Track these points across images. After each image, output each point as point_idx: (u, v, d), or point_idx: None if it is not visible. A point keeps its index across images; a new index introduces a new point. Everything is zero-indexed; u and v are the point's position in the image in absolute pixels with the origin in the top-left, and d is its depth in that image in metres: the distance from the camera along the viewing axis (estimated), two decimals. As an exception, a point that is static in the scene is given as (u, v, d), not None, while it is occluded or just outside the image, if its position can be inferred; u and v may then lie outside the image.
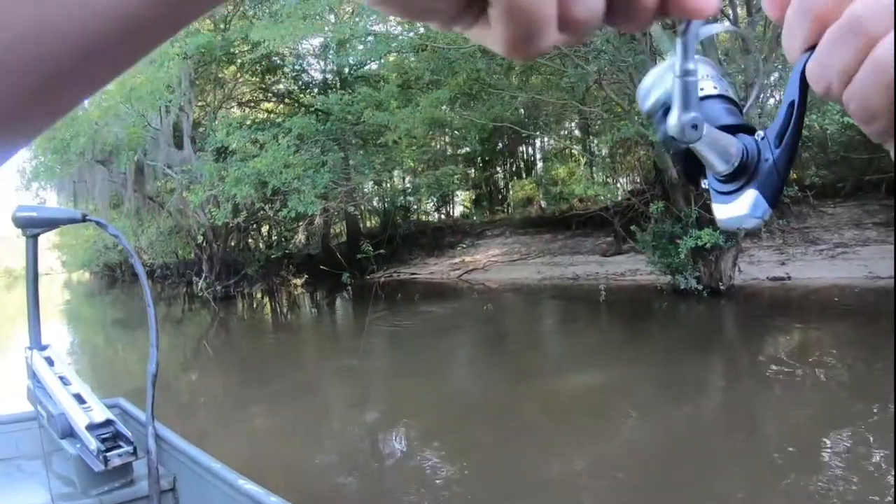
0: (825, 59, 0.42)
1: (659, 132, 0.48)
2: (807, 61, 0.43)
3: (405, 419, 8.13)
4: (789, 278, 13.58)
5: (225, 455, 2.81)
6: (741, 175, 0.48)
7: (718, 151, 0.47)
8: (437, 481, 6.26)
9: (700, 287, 12.53)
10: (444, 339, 13.74)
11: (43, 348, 3.17)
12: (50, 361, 3.10)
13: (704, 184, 0.51)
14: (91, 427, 2.68)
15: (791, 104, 0.47)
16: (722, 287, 12.73)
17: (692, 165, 0.50)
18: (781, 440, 5.96)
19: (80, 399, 2.87)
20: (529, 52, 0.37)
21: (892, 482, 4.48)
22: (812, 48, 0.43)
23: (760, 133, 0.48)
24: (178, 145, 21.98)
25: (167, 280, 32.44)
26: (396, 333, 15.02)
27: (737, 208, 0.48)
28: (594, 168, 22.63)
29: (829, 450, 5.58)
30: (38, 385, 3.05)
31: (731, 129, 0.49)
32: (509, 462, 6.08)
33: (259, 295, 26.18)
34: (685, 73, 0.45)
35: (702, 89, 0.50)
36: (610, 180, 21.53)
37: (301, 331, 18.06)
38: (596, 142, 22.53)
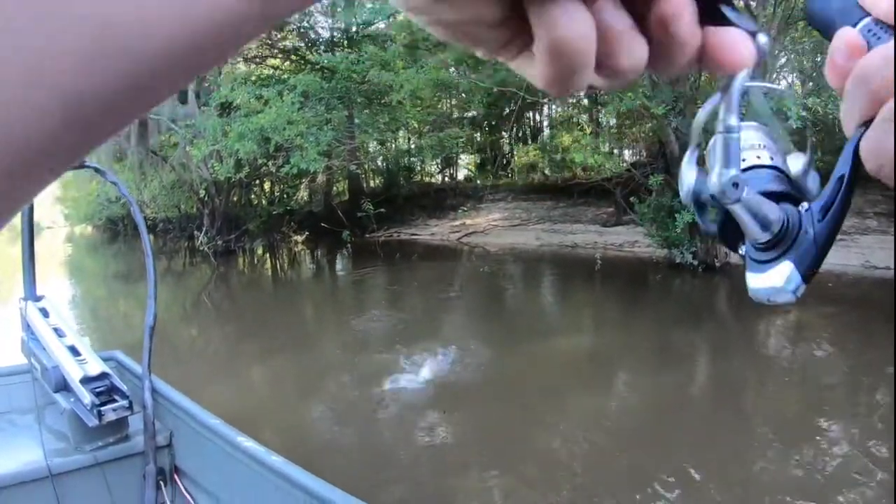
0: (878, 137, 0.41)
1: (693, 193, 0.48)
2: (860, 137, 0.42)
3: (395, 371, 8.30)
4: (785, 261, 13.46)
5: (218, 403, 2.80)
6: (779, 245, 0.47)
7: (758, 217, 0.47)
8: (425, 427, 6.39)
9: (695, 262, 12.45)
10: (438, 297, 13.85)
11: (38, 299, 3.11)
12: (45, 313, 3.04)
13: (742, 250, 0.50)
14: (85, 380, 2.62)
15: (840, 178, 0.46)
16: (717, 264, 12.64)
17: (731, 231, 0.49)
18: (761, 411, 6.00)
19: (74, 351, 2.83)
20: (564, 89, 0.38)
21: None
22: (867, 123, 0.42)
23: (805, 205, 0.48)
24: (183, 100, 21.85)
25: (169, 234, 32.39)
26: (393, 291, 15.13)
27: (770, 279, 0.47)
28: (600, 138, 22.47)
29: (805, 424, 5.61)
30: (32, 337, 3.02)
31: (775, 197, 0.48)
32: (492, 416, 6.13)
33: (260, 251, 26.22)
34: (727, 130, 0.44)
35: (758, 157, 0.50)
36: (615, 151, 21.36)
37: (300, 287, 18.17)
38: (603, 112, 22.36)
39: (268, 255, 25.80)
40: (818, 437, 5.36)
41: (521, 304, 12.90)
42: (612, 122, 21.86)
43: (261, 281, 20.10)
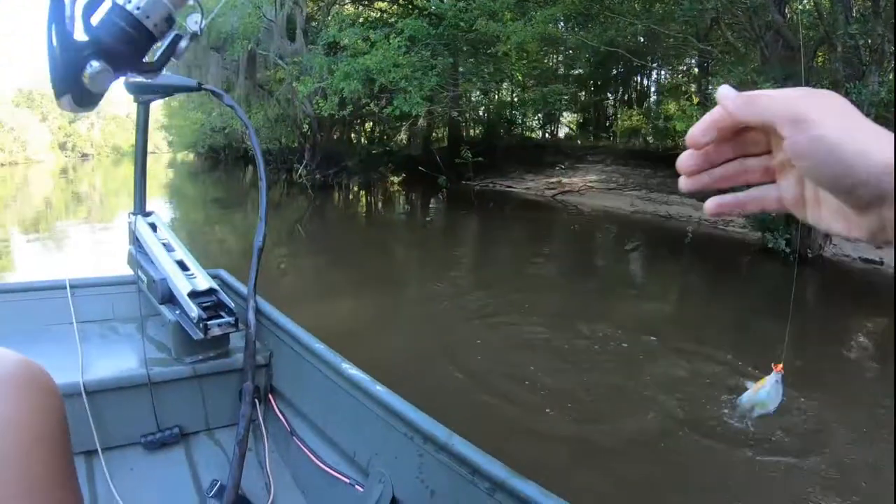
0: None
1: None
2: None
3: (475, 308, 8.57)
4: (882, 263, 12.59)
5: (302, 323, 2.80)
6: None
7: None
8: (494, 343, 6.61)
9: (787, 250, 11.93)
10: (526, 247, 14.05)
11: (147, 214, 3.15)
12: (153, 227, 3.13)
13: None
14: (193, 294, 2.67)
15: None
16: (810, 255, 11.99)
17: None
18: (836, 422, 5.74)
19: (182, 266, 2.89)
20: None
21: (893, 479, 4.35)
22: None
23: None
24: (291, 37, 22.17)
25: (269, 166, 33.07)
26: (484, 239, 15.26)
27: None
28: (707, 109, 21.86)
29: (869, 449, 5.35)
30: (139, 250, 3.07)
31: None
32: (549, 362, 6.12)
33: (355, 188, 26.59)
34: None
35: None
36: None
37: (393, 225, 18.44)
38: (713, 83, 21.76)
39: (363, 192, 26.14)
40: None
41: (606, 265, 12.86)
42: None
43: (355, 216, 20.46)
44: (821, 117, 0.55)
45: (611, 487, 4.39)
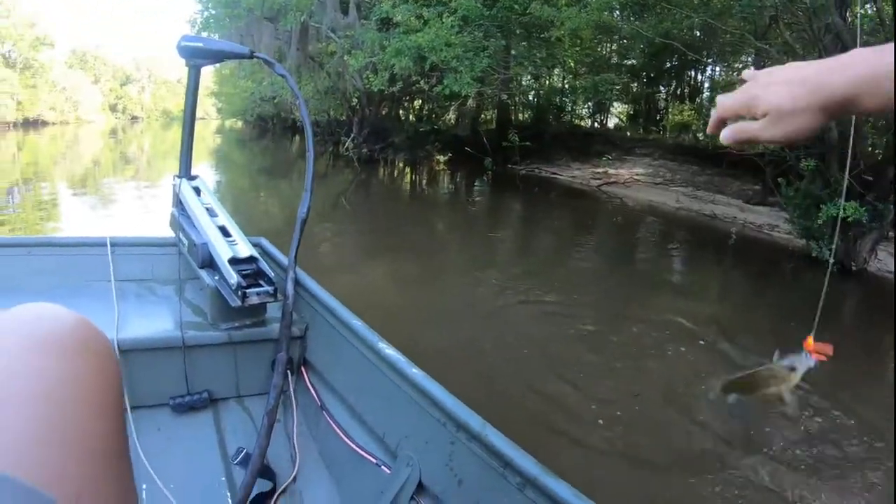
0: None
1: None
2: None
3: (512, 291, 8.55)
4: (927, 283, 12.15)
5: (336, 291, 2.77)
6: None
7: None
8: (527, 325, 6.75)
9: (832, 261, 11.62)
10: (568, 235, 14.22)
11: (192, 178, 3.15)
12: (197, 191, 3.09)
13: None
14: (234, 261, 2.64)
15: None
16: (853, 268, 11.53)
17: None
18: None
19: (225, 232, 2.85)
20: None
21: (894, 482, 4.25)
22: None
23: None
24: (344, 11, 22.22)
25: (316, 137, 33.14)
26: (526, 222, 15.25)
27: None
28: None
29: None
30: (182, 213, 3.04)
31: None
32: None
33: (401, 164, 26.70)
34: None
35: None
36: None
37: (436, 203, 18.51)
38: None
39: (409, 169, 26.22)
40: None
41: (648, 260, 12.74)
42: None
43: (399, 192, 20.55)
44: (785, 127, 0.87)
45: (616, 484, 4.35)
